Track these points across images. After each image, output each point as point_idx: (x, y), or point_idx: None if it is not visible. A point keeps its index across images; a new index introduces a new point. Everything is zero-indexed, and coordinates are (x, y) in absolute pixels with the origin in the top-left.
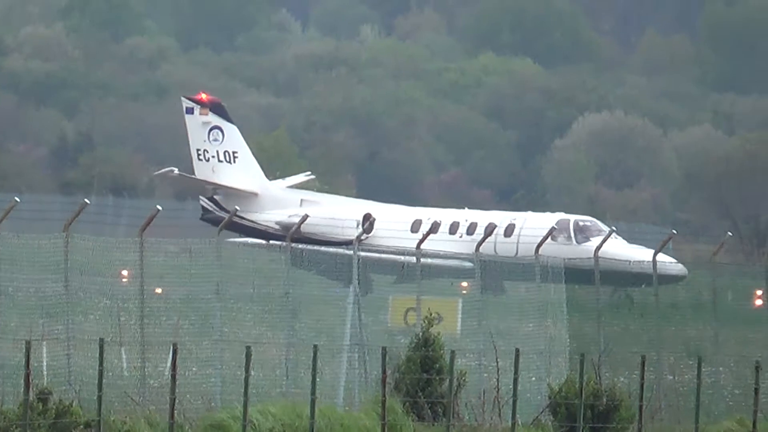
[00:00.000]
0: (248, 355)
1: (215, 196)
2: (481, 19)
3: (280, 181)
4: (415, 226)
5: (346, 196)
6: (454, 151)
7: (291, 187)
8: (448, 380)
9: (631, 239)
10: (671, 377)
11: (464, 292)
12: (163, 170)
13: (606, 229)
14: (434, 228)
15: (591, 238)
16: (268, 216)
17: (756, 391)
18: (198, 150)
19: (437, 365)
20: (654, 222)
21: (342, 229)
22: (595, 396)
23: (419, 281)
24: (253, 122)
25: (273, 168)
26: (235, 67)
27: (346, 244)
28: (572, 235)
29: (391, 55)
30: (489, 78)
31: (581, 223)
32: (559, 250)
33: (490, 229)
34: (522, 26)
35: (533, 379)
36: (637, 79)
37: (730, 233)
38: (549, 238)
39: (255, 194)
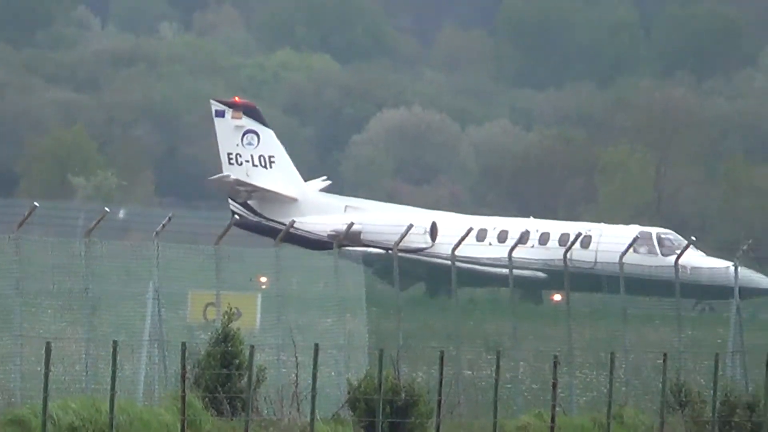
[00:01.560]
0: (48, 351)
1: (249, 201)
2: (279, 15)
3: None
4: (481, 235)
5: (145, 191)
6: None
7: (322, 191)
8: (247, 375)
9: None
10: (470, 372)
11: (263, 286)
12: (218, 176)
13: (684, 240)
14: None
15: (676, 251)
16: (314, 222)
17: (554, 385)
18: (229, 154)
19: (237, 360)
20: None
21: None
22: (393, 391)
23: (218, 275)
24: (51, 118)
25: (71, 164)
26: (34, 62)
27: (415, 251)
28: (656, 246)
29: (189, 51)
30: (287, 74)
31: (663, 236)
32: (642, 261)
33: (564, 240)
34: (320, 22)
35: (332, 374)
36: (435, 75)
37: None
38: (631, 250)
39: (295, 200)
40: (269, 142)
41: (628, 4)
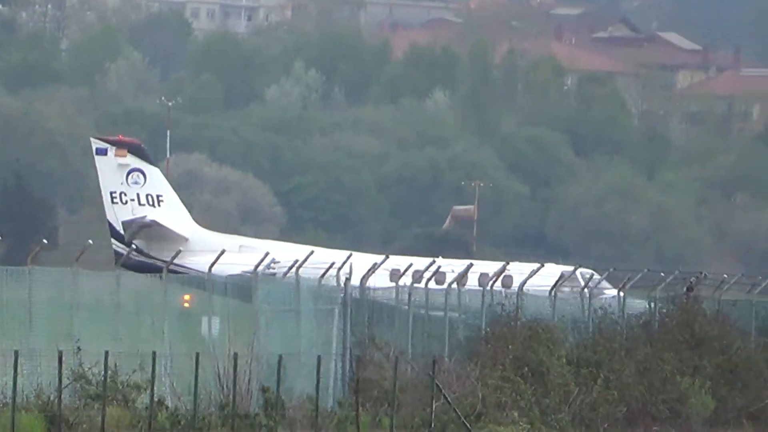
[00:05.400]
0: None
1: (134, 242)
2: None
3: None
4: (394, 275)
5: None
6: None
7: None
8: None
9: None
10: None
11: None
12: (136, 217)
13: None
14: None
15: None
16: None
17: None
18: (113, 193)
19: None
20: None
21: (332, 278)
22: None
23: None
24: None
25: None
26: None
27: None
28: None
29: None
30: None
31: (586, 274)
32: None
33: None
34: None
35: None
36: None
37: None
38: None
39: (185, 239)
40: (156, 180)
41: None
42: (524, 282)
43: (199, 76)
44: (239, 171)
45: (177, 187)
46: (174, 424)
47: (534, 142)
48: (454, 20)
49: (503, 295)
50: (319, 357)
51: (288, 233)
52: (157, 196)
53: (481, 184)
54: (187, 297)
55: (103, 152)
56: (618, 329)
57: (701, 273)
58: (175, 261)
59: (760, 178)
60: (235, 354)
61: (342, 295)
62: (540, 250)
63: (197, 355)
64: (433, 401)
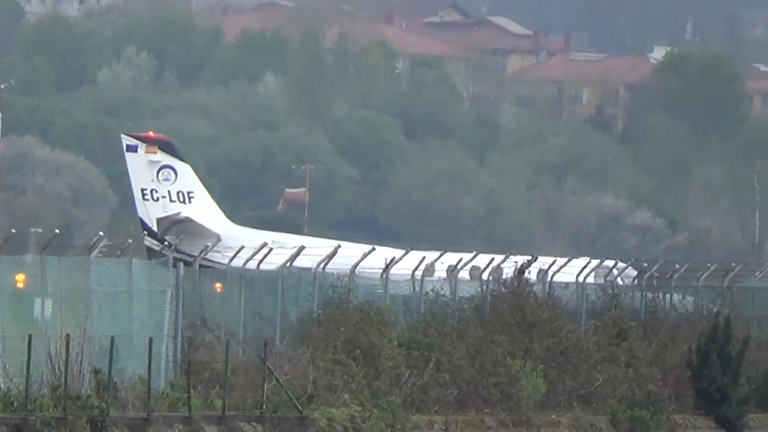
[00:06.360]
0: None
1: (167, 237)
2: None
3: None
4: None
5: None
6: None
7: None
8: None
9: None
10: None
11: None
12: (170, 213)
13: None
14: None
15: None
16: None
17: None
18: (144, 190)
19: None
20: None
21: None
22: None
23: None
24: None
25: None
26: None
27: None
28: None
29: None
30: None
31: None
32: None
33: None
34: None
35: None
36: None
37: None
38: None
39: (218, 235)
40: (187, 177)
41: None
42: (555, 273)
43: (31, 58)
44: (71, 154)
45: (8, 170)
46: (6, 406)
47: (365, 125)
48: (285, 4)
49: (335, 276)
50: (150, 338)
51: (120, 216)
52: (188, 193)
53: (312, 168)
54: (20, 277)
55: (133, 149)
56: (450, 312)
57: (533, 256)
58: (211, 259)
59: (589, 161)
60: (67, 335)
61: (175, 277)
62: (371, 234)
63: (30, 336)
64: (265, 383)
